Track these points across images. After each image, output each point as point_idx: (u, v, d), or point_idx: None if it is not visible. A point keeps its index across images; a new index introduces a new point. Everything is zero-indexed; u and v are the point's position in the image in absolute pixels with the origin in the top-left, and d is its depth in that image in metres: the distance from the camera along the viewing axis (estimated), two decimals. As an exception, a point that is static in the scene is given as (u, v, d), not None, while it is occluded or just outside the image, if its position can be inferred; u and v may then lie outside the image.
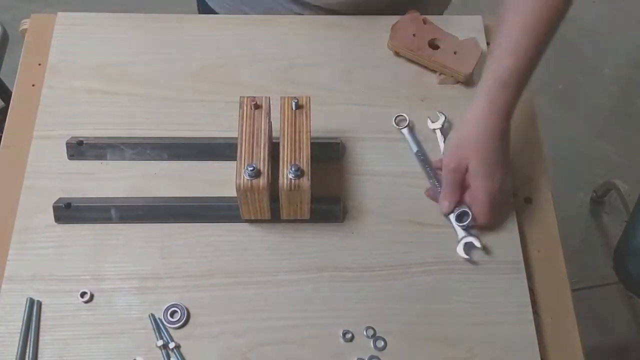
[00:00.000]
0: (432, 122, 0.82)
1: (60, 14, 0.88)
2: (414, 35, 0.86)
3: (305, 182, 0.68)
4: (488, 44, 0.91)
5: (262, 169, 0.67)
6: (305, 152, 0.69)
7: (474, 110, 0.74)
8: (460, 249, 0.74)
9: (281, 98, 0.73)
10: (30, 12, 0.91)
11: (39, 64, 0.86)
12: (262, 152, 0.69)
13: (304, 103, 0.72)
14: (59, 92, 0.83)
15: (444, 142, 0.81)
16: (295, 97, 0.72)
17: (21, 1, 2.00)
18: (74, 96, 0.83)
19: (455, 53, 0.85)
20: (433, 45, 0.86)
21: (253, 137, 0.70)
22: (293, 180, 0.68)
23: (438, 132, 0.82)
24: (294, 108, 0.72)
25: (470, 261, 0.75)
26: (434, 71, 0.87)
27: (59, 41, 0.86)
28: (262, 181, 0.67)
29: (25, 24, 0.90)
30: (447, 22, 0.89)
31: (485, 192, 0.73)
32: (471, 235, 0.75)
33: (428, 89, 0.86)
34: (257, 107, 0.71)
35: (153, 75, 0.85)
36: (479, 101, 0.74)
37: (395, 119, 0.83)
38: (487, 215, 0.74)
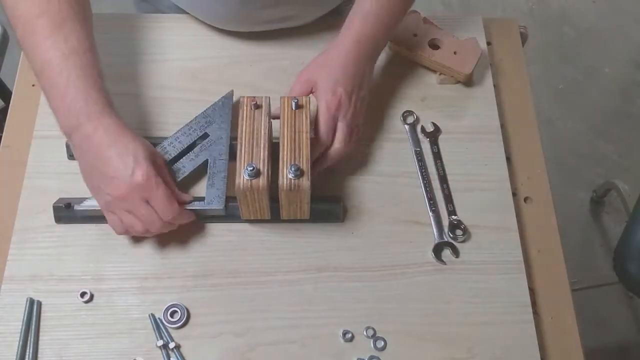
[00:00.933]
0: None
1: (60, 14, 0.88)
2: (414, 35, 0.86)
3: (305, 182, 0.68)
4: (488, 43, 0.91)
5: (261, 168, 0.67)
6: (305, 152, 0.69)
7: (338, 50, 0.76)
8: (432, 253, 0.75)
9: (281, 98, 0.73)
10: (30, 12, 0.90)
11: (39, 64, 0.85)
12: (262, 152, 0.69)
13: (304, 103, 0.72)
14: (59, 92, 0.83)
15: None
16: (295, 97, 0.72)
17: (21, 1, 1.99)
18: (74, 96, 0.83)
19: (455, 53, 0.85)
20: (433, 45, 0.86)
21: (253, 137, 0.70)
22: (293, 180, 0.67)
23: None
24: (294, 108, 0.71)
25: (470, 261, 0.75)
26: (434, 71, 0.87)
27: (59, 41, 0.86)
28: (262, 181, 0.67)
29: (25, 24, 0.90)
30: (447, 22, 0.89)
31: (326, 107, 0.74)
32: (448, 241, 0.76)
33: (428, 89, 0.86)
34: (257, 107, 0.71)
35: (151, 75, 0.85)
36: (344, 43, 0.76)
37: (402, 114, 0.83)
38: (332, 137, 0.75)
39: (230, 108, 0.79)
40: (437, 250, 0.75)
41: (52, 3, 0.68)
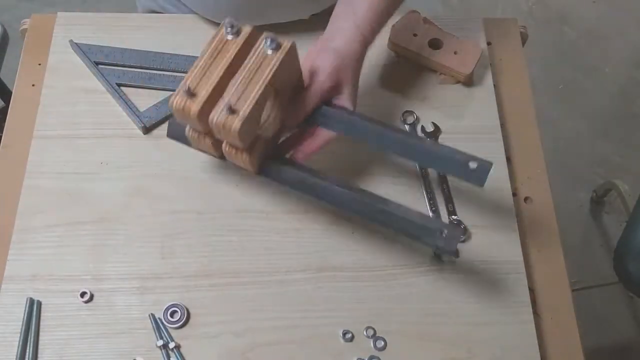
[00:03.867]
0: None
1: (60, 14, 0.88)
2: (414, 35, 0.86)
3: (236, 122, 0.60)
4: (489, 43, 0.91)
5: (200, 93, 0.61)
6: (253, 95, 0.61)
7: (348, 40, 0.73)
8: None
9: (265, 32, 0.65)
10: (30, 12, 0.91)
11: (39, 64, 0.86)
12: (212, 79, 0.62)
13: (284, 46, 0.63)
14: (59, 92, 0.83)
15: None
16: (273, 38, 0.63)
17: (21, 1, 2.00)
18: (74, 96, 0.83)
19: (455, 53, 0.85)
20: (433, 45, 0.86)
21: (212, 62, 0.63)
22: (222, 117, 0.60)
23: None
24: (267, 52, 0.62)
25: (471, 261, 0.75)
26: (434, 71, 0.87)
27: (59, 41, 0.86)
28: (194, 106, 0.61)
29: (25, 24, 0.90)
30: (447, 22, 0.89)
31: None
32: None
33: (428, 89, 0.86)
34: (236, 34, 0.63)
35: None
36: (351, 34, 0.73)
37: (402, 114, 0.83)
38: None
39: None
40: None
41: None
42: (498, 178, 0.80)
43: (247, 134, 0.63)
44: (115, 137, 0.81)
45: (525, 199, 0.81)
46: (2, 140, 0.81)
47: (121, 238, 0.74)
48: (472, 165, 0.66)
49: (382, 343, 0.70)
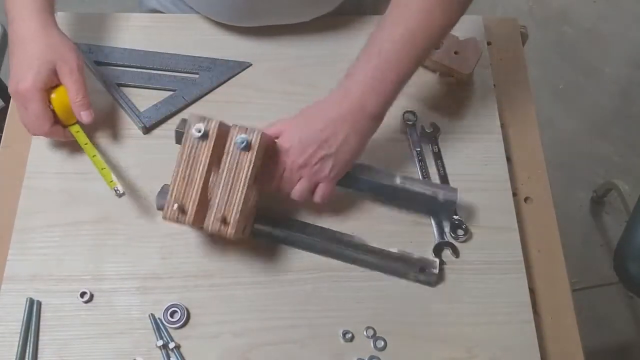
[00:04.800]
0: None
1: (60, 14, 0.88)
2: (414, 35, 0.86)
3: (230, 230, 0.66)
4: (489, 43, 0.91)
5: (188, 205, 0.65)
6: (238, 200, 0.65)
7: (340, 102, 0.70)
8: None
9: (232, 127, 0.66)
10: (30, 12, 0.90)
11: (39, 64, 0.85)
12: (195, 188, 0.65)
13: (254, 144, 0.65)
14: (59, 92, 0.83)
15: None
16: (245, 132, 0.65)
17: (21, 1, 1.99)
18: (74, 96, 0.83)
19: (455, 53, 0.85)
20: (433, 45, 0.86)
21: (190, 170, 0.66)
22: (215, 226, 0.66)
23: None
24: (238, 148, 0.65)
25: (471, 261, 0.75)
26: (434, 71, 0.87)
27: (59, 41, 0.86)
28: (187, 219, 0.66)
29: (25, 24, 0.89)
30: (447, 22, 0.89)
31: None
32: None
33: (428, 89, 0.86)
34: (204, 136, 0.65)
35: (153, 75, 0.85)
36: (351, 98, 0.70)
37: (403, 114, 0.83)
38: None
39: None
40: (437, 250, 0.75)
41: None
42: (498, 178, 0.80)
43: (240, 230, 0.67)
44: (115, 137, 0.81)
45: (525, 199, 0.81)
46: (2, 140, 0.81)
47: (121, 238, 0.74)
48: (441, 197, 0.73)
49: (382, 343, 0.70)
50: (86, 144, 0.76)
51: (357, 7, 0.93)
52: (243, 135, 0.65)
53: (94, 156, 0.75)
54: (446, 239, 0.76)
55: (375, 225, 0.77)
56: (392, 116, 0.84)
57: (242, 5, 0.83)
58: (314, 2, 0.87)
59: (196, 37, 0.89)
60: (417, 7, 0.68)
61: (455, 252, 0.75)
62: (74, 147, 0.79)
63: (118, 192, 0.71)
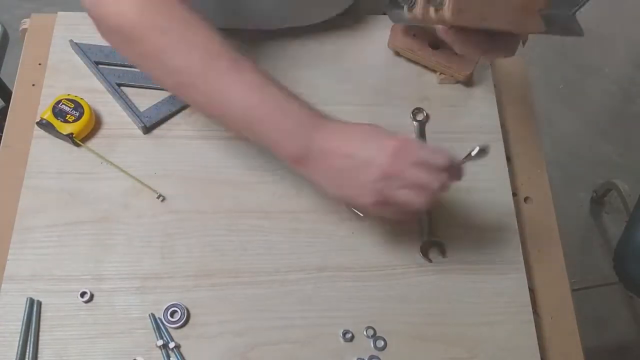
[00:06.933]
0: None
1: (60, 14, 0.88)
2: (414, 35, 0.86)
3: (446, 12, 0.59)
4: (488, 44, 0.91)
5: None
6: None
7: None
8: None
9: None
10: (30, 12, 0.90)
11: (39, 64, 0.85)
12: None
13: None
14: (59, 92, 0.83)
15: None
16: None
17: (21, 1, 2.00)
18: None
19: (455, 53, 0.85)
20: (433, 45, 0.86)
21: None
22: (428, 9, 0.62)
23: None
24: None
25: (471, 261, 0.75)
26: (434, 71, 0.87)
27: (59, 41, 0.86)
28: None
29: (25, 23, 0.90)
30: (447, 22, 0.89)
31: None
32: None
33: (428, 89, 0.86)
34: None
35: (153, 75, 0.85)
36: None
37: (412, 111, 0.83)
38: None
39: None
40: (424, 249, 0.75)
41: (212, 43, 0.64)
42: (498, 178, 0.80)
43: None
44: (115, 137, 0.81)
45: (525, 199, 0.81)
46: (2, 140, 0.81)
47: (121, 238, 0.74)
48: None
49: (382, 343, 0.70)
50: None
51: (356, 7, 0.93)
52: None
53: None
54: (432, 238, 0.75)
55: (375, 225, 0.76)
56: (393, 116, 0.84)
57: (242, 8, 0.83)
58: (323, 5, 0.87)
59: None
60: None
61: (442, 251, 0.75)
62: (74, 147, 0.79)
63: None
